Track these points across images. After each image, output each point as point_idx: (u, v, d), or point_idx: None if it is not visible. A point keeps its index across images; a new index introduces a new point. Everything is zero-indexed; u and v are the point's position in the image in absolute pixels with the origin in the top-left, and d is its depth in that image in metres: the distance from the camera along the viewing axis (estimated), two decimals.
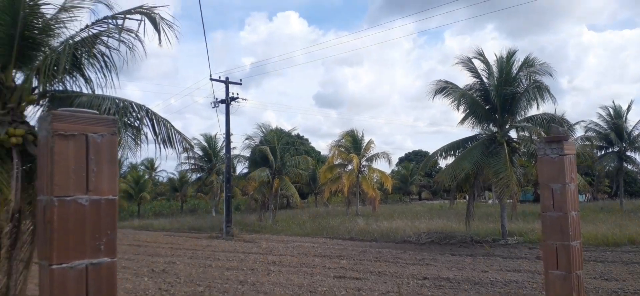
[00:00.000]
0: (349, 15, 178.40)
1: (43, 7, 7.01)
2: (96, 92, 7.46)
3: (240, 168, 41.42)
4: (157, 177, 64.00)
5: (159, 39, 6.55)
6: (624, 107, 35.55)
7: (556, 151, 4.03)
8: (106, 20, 6.82)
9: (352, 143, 40.81)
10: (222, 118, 30.89)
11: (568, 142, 4.08)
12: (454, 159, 21.17)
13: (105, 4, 7.23)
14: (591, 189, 47.11)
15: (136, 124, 7.51)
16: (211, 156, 44.89)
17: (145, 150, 7.69)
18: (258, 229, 29.60)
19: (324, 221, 30.74)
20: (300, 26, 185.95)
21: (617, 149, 35.25)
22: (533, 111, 19.96)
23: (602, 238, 17.25)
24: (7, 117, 6.92)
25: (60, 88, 7.67)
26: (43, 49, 7.28)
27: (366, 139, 41.81)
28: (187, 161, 44.03)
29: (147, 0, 6.73)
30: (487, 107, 20.21)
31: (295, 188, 39.03)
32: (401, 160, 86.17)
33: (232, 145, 31.76)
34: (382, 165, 54.32)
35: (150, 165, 60.74)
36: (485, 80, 20.36)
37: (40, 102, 7.59)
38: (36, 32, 7.16)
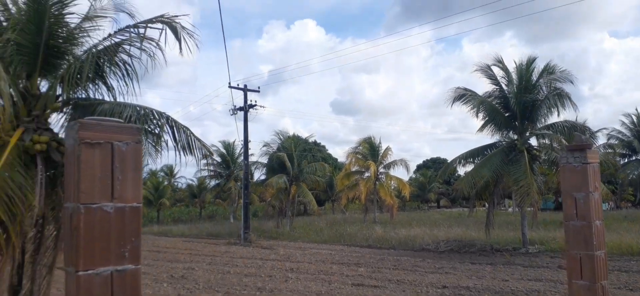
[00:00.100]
0: (366, 23, 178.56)
1: (67, 16, 7.16)
2: (118, 100, 7.58)
3: (258, 175, 41.66)
4: (176, 183, 64.65)
5: (180, 48, 6.64)
6: None
7: (579, 160, 3.97)
8: (128, 29, 6.94)
9: (370, 150, 40.67)
10: (240, 125, 31.15)
11: (591, 150, 4.01)
12: (473, 166, 20.98)
13: (128, 13, 7.36)
14: (614, 197, 46.23)
15: (157, 131, 7.60)
16: (229, 163, 45.20)
17: (165, 157, 7.78)
18: (275, 235, 29.67)
19: (341, 228, 30.66)
20: (317, 34, 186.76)
21: None
22: (553, 118, 19.72)
23: (626, 248, 16.88)
24: (31, 125, 7.07)
25: (83, 96, 7.81)
26: (67, 57, 7.43)
27: (383, 146, 41.66)
28: (206, 168, 44.42)
29: (169, 10, 6.84)
30: (506, 114, 20.00)
31: (312, 194, 39.07)
32: (419, 167, 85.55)
33: (250, 152, 31.99)
34: (399, 172, 54.01)
35: (169, 171, 61.37)
36: (504, 87, 20.17)
37: (64, 109, 7.74)
38: (60, 41, 7.31)
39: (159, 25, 6.70)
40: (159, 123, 7.48)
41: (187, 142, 7.75)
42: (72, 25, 7.35)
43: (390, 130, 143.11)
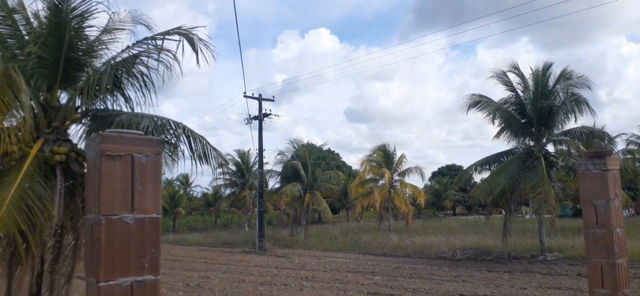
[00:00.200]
0: (380, 31, 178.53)
1: (87, 29, 7.29)
2: (135, 111, 7.68)
3: (273, 183, 41.75)
4: (191, 192, 65.07)
5: (197, 59, 6.71)
6: None
7: (599, 167, 3.92)
8: (146, 41, 7.05)
9: (384, 158, 40.53)
10: (255, 134, 31.31)
11: (611, 157, 3.95)
12: (489, 173, 20.80)
13: (145, 25, 7.48)
14: (634, 203, 45.42)
15: (173, 141, 7.68)
16: (244, 171, 45.39)
17: (181, 166, 7.86)
18: (290, 244, 29.66)
19: (356, 237, 30.55)
20: (331, 43, 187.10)
21: None
22: (571, 124, 19.49)
23: None
24: (51, 136, 7.19)
25: (102, 107, 7.94)
26: (86, 69, 7.56)
27: (398, 154, 41.48)
28: (221, 177, 44.66)
29: (185, 21, 6.94)
30: (523, 120, 19.82)
31: (326, 202, 39.00)
32: (434, 175, 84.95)
33: (264, 160, 32.09)
34: (414, 180, 53.86)
35: (185, 180, 61.81)
36: (520, 93, 20.00)
37: (83, 121, 7.86)
38: (80, 53, 7.45)
39: (176, 37, 6.79)
40: (176, 133, 7.56)
41: (203, 151, 7.82)
42: (92, 38, 7.49)
43: (404, 137, 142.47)
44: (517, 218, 44.22)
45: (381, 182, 40.31)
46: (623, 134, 36.38)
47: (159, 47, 6.83)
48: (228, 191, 49.20)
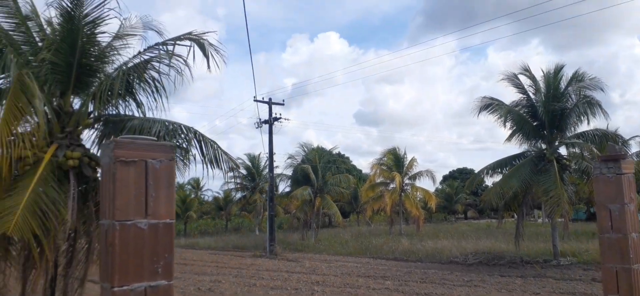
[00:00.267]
0: (389, 34, 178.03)
1: (99, 35, 7.37)
2: (147, 116, 7.74)
3: (283, 187, 41.76)
4: (202, 196, 65.37)
5: (208, 64, 6.77)
6: None
7: (613, 170, 3.87)
8: (157, 47, 7.12)
9: (394, 161, 40.40)
10: (265, 138, 31.33)
11: (626, 160, 3.90)
12: (501, 177, 20.64)
13: (156, 31, 7.55)
14: None
15: (185, 146, 7.74)
16: (254, 175, 45.49)
17: (192, 170, 7.90)
18: (301, 248, 29.65)
19: (366, 241, 30.47)
20: (340, 46, 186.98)
21: None
22: (583, 126, 19.29)
23: None
24: (65, 141, 7.28)
25: (114, 112, 8.02)
26: (98, 75, 7.65)
27: (408, 157, 41.32)
28: (232, 181, 44.79)
29: (195, 26, 7.00)
30: (534, 123, 19.66)
31: (337, 206, 38.95)
32: (445, 178, 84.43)
33: (274, 164, 32.16)
34: (425, 183, 53.55)
35: (196, 184, 62.11)
36: (532, 96, 19.85)
37: (95, 125, 7.95)
38: (92, 59, 7.53)
39: (187, 43, 6.86)
40: (187, 138, 7.62)
41: (214, 155, 7.86)
42: (104, 44, 7.57)
43: (414, 140, 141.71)
44: (529, 222, 43.80)
45: (392, 186, 40.19)
46: (637, 136, 35.86)
47: (170, 52, 6.89)
48: (239, 195, 49.33)
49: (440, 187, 74.50)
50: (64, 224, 6.99)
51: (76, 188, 7.10)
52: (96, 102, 7.19)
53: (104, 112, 7.81)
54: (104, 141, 7.76)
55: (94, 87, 7.49)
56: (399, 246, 25.88)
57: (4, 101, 6.43)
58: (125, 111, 7.98)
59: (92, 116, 7.71)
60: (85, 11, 6.98)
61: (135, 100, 7.84)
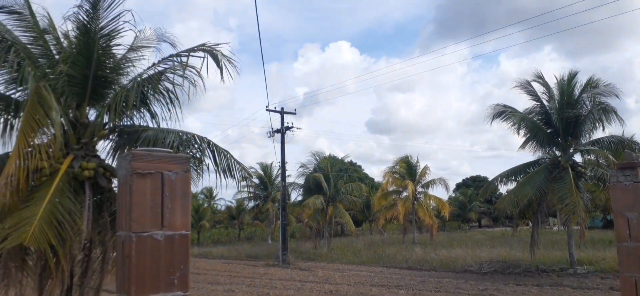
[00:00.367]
0: (400, 42, 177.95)
1: (114, 48, 7.48)
2: (161, 126, 7.82)
3: (295, 196, 41.79)
4: (215, 205, 65.59)
5: (221, 74, 6.82)
6: None
7: (630, 178, 3.82)
8: (171, 59, 7.20)
9: (407, 169, 40.20)
10: (278, 147, 31.45)
11: None
12: (515, 185, 20.44)
13: (170, 43, 7.64)
14: None
15: (198, 155, 7.79)
16: (267, 184, 45.59)
17: (206, 179, 7.97)
18: (313, 257, 29.57)
19: (379, 250, 30.30)
20: (351, 55, 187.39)
21: None
22: (598, 133, 19.07)
23: None
24: (80, 152, 7.37)
25: (128, 123, 8.11)
26: (113, 86, 7.75)
27: (421, 165, 41.10)
28: (245, 190, 44.97)
29: (208, 37, 7.08)
30: (548, 130, 19.48)
31: (349, 215, 38.82)
32: (458, 186, 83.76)
33: (287, 173, 32.18)
34: (438, 191, 53.08)
35: (209, 194, 62.36)
36: (545, 103, 19.70)
37: (110, 136, 8.04)
38: (108, 71, 7.64)
39: (201, 54, 6.93)
40: (201, 147, 7.67)
41: (227, 165, 7.90)
42: (119, 56, 7.68)
43: (427, 148, 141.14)
44: (544, 230, 43.27)
45: (404, 194, 39.97)
46: None
47: (184, 63, 6.96)
48: (251, 204, 49.46)
49: (453, 195, 73.96)
50: (80, 234, 7.05)
51: (91, 198, 7.18)
52: (111, 113, 7.28)
53: (119, 123, 7.90)
54: (118, 152, 7.85)
55: (109, 99, 7.58)
56: (413, 255, 25.70)
57: (22, 113, 6.54)
58: (139, 122, 8.06)
59: (107, 127, 7.80)
60: (101, 24, 7.10)
61: (149, 111, 7.92)
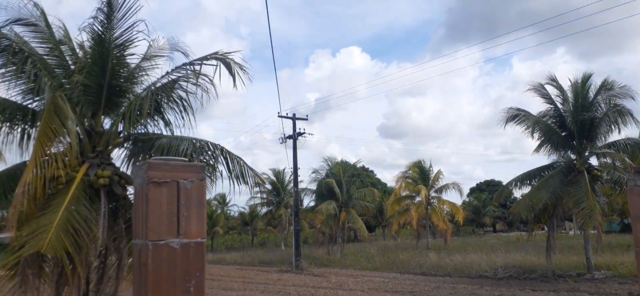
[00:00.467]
0: (411, 47, 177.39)
1: (128, 57, 7.59)
2: (175, 134, 7.90)
3: (307, 201, 41.76)
4: (228, 211, 65.87)
5: (234, 82, 6.89)
6: None
7: None
8: (184, 67, 7.28)
9: (420, 174, 40.00)
10: (290, 153, 31.47)
11: None
12: (530, 189, 20.24)
13: (182, 52, 7.73)
14: None
15: (211, 162, 7.85)
16: (279, 190, 45.68)
17: (219, 186, 8.01)
18: (327, 262, 29.52)
19: (393, 255, 30.16)
20: (362, 61, 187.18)
21: None
22: (614, 136, 18.82)
23: None
24: (95, 160, 7.47)
25: (142, 131, 8.20)
26: (128, 95, 7.86)
27: (434, 170, 40.86)
28: (258, 196, 45.10)
29: (220, 46, 7.15)
30: (563, 133, 19.29)
31: (362, 220, 38.71)
32: (472, 190, 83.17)
33: (299, 179, 32.22)
34: (452, 196, 52.66)
35: (222, 200, 62.65)
36: (559, 106, 19.51)
37: (125, 144, 8.14)
38: (122, 80, 7.75)
39: (214, 62, 6.99)
40: (214, 154, 7.73)
41: (240, 171, 7.95)
42: (133, 66, 7.78)
43: (439, 153, 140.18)
44: (560, 234, 42.73)
45: (418, 199, 39.76)
46: None
47: (197, 72, 7.03)
48: (264, 210, 49.58)
49: (467, 200, 73.42)
50: (95, 241, 7.14)
51: (106, 205, 7.27)
52: (126, 122, 7.38)
53: (133, 131, 7.99)
54: (133, 160, 7.93)
55: (123, 108, 7.68)
56: (427, 261, 25.54)
57: (39, 123, 6.65)
58: (153, 130, 8.16)
59: (121, 135, 7.90)
60: (115, 34, 7.20)
61: (163, 119, 8.01)
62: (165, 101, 7.71)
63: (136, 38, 7.32)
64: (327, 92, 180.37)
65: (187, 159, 2.05)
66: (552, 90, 19.69)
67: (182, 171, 1.98)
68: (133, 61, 7.77)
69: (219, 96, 7.68)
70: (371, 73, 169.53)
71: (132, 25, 7.16)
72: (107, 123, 7.90)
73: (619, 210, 34.28)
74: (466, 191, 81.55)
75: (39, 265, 7.17)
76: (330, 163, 37.33)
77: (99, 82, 7.32)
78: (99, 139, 7.61)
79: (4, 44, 7.06)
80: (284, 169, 46.34)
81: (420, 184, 39.14)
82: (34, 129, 7.50)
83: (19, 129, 7.57)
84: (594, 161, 19.42)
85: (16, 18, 7.35)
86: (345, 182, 35.56)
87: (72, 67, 7.70)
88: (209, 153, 7.85)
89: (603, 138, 18.99)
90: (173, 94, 7.56)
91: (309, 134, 37.42)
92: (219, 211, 61.40)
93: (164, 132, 8.10)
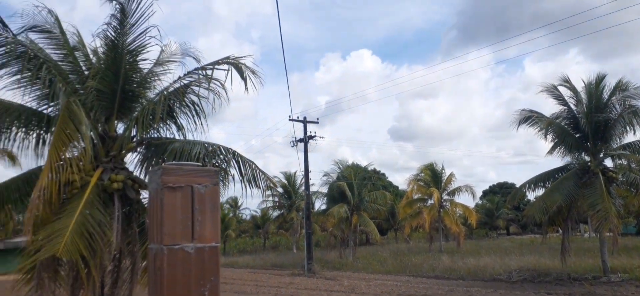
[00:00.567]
0: (422, 49, 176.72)
1: (141, 63, 7.66)
2: (187, 138, 7.95)
3: (319, 204, 41.71)
4: (241, 215, 66.09)
5: (245, 86, 6.92)
6: None
7: None
8: (196, 72, 7.33)
9: (432, 177, 39.79)
10: (301, 156, 31.55)
11: None
12: (543, 191, 20.04)
13: (194, 57, 7.78)
14: None
15: (224, 166, 7.89)
16: (291, 193, 45.72)
17: (231, 189, 8.04)
18: (339, 266, 29.47)
19: (406, 258, 30.02)
20: (373, 63, 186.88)
21: None
22: (630, 137, 18.58)
23: None
24: (109, 165, 7.54)
25: (155, 135, 8.27)
26: (140, 100, 7.93)
27: (446, 172, 40.61)
28: (270, 199, 45.20)
29: (231, 50, 7.20)
30: (577, 135, 19.07)
31: (374, 223, 38.58)
32: (485, 193, 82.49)
33: (310, 182, 32.22)
34: (465, 199, 52.55)
35: (234, 203, 62.89)
36: (573, 107, 19.31)
37: (138, 149, 8.21)
38: (135, 85, 7.82)
39: (225, 66, 7.03)
40: (226, 158, 7.76)
41: (252, 175, 7.98)
42: (145, 71, 7.85)
43: (451, 155, 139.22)
44: (575, 237, 42.23)
45: (430, 202, 39.56)
46: None
47: (209, 76, 7.07)
48: (276, 213, 49.66)
49: (480, 202, 72.83)
50: (110, 245, 7.20)
51: (120, 210, 7.33)
52: (139, 126, 7.44)
53: (146, 136, 8.06)
54: (146, 164, 8.00)
55: (136, 112, 7.75)
56: (440, 264, 25.37)
57: (53, 128, 6.73)
58: (166, 134, 8.22)
59: (135, 139, 7.96)
60: (128, 40, 7.27)
61: (175, 123, 8.07)
62: (178, 105, 7.77)
63: (149, 43, 7.39)
64: (338, 95, 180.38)
65: (200, 163, 2.05)
66: (565, 91, 19.51)
67: (196, 175, 1.99)
68: (146, 66, 7.85)
69: (230, 99, 7.73)
70: (382, 76, 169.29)
71: (145, 30, 7.23)
72: (120, 128, 7.97)
73: (635, 212, 33.74)
74: (479, 193, 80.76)
75: (55, 268, 7.25)
76: (341, 166, 37.28)
77: (113, 88, 7.39)
78: (113, 143, 7.68)
79: (20, 51, 7.17)
80: (295, 173, 46.41)
81: (433, 187, 38.94)
82: (49, 134, 7.60)
83: (34, 135, 7.67)
84: (609, 162, 19.20)
85: (31, 25, 7.46)
86: (357, 185, 35.46)
87: (86, 72, 7.80)
88: (221, 156, 7.88)
89: (618, 139, 18.76)
90: (185, 99, 7.62)
91: (320, 137, 37.26)
92: (231, 214, 61.62)
93: (177, 137, 8.16)
